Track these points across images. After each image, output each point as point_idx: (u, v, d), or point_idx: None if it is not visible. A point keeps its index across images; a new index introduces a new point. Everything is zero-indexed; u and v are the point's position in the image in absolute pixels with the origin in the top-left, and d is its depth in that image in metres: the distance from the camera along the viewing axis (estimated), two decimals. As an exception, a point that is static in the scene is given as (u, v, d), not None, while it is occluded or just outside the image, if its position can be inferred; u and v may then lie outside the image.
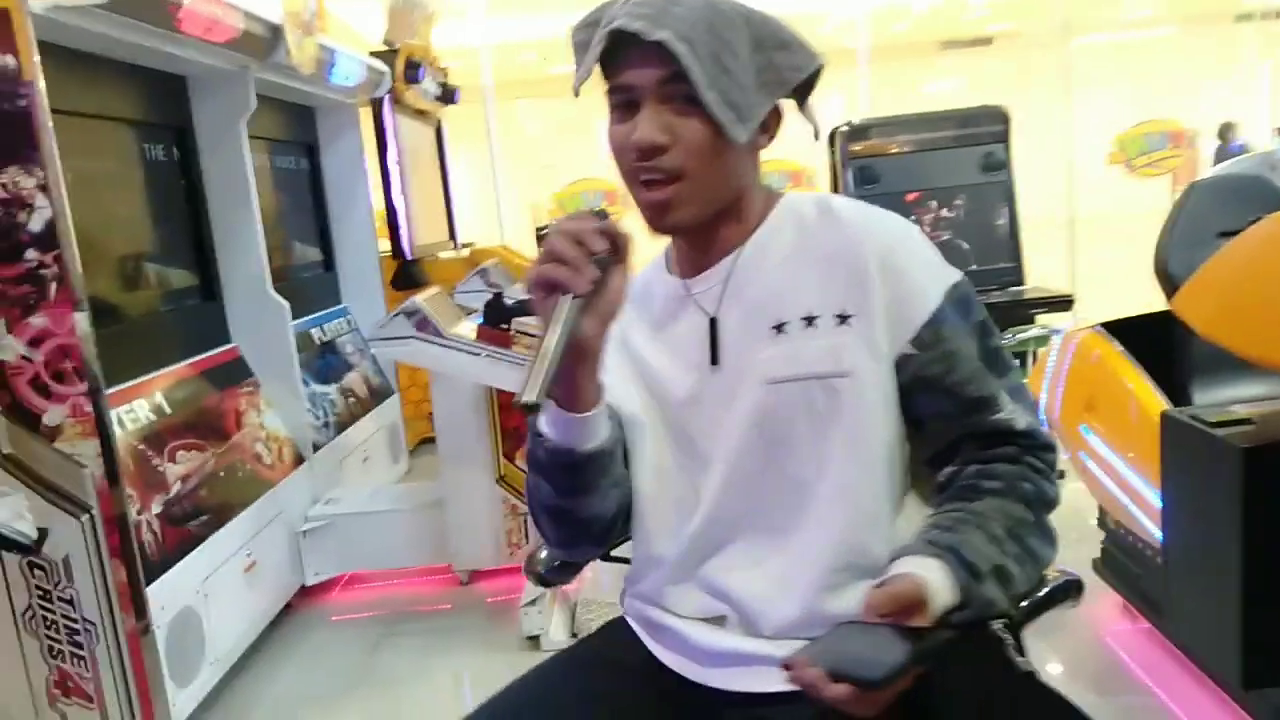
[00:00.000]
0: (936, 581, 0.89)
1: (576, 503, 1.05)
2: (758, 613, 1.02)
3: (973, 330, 1.03)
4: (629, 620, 1.17)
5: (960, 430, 1.02)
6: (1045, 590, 1.11)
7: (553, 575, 1.25)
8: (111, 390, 2.39)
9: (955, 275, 1.04)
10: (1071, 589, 1.12)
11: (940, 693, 0.90)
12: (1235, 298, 1.71)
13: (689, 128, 0.96)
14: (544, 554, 1.25)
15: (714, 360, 1.05)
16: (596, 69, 1.00)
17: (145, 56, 2.69)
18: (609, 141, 1.01)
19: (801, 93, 1.04)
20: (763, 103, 0.99)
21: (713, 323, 1.05)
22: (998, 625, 1.08)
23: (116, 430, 2.33)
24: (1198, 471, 1.75)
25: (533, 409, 0.86)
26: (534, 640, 2.74)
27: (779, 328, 1.02)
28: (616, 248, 0.93)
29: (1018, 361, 3.99)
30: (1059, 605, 1.12)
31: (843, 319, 1.01)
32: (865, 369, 1.00)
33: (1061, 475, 3.67)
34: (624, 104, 0.99)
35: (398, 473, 4.41)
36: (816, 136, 1.12)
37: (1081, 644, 2.55)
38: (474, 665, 2.76)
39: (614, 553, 1.20)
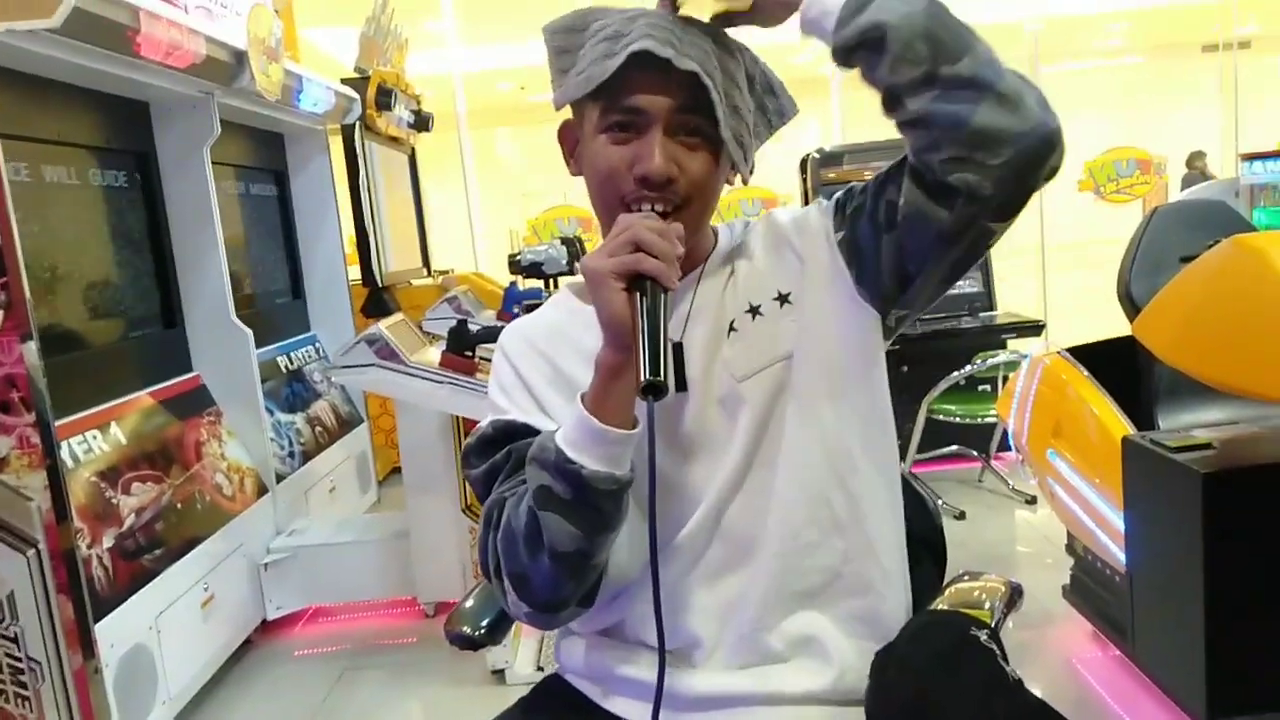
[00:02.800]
0: None
1: (601, 544, 0.93)
2: (717, 639, 1.00)
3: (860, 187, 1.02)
4: (568, 677, 1.11)
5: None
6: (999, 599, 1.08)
7: (484, 636, 1.15)
8: (64, 420, 2.35)
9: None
10: (1013, 596, 1.09)
11: (935, 703, 0.88)
12: (1194, 322, 1.71)
13: (695, 160, 0.96)
14: (470, 609, 1.17)
15: (681, 386, 1.01)
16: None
17: (104, 81, 2.66)
18: (597, 161, 0.98)
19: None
20: (756, 145, 1.02)
21: (678, 348, 1.01)
22: (984, 635, 1.04)
23: (68, 462, 2.28)
24: (1160, 497, 1.74)
25: (662, 391, 0.83)
26: (499, 674, 2.68)
27: (734, 327, 1.02)
28: (682, 254, 0.93)
29: (987, 387, 4.00)
30: (1011, 609, 1.08)
31: (782, 299, 1.02)
32: (808, 342, 1.00)
33: (1033, 501, 3.65)
34: (623, 125, 0.96)
35: (366, 503, 4.35)
36: (745, 181, 1.09)
37: (1052, 671, 2.52)
38: (439, 700, 2.70)
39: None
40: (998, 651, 0.95)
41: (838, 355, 1.01)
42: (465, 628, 1.15)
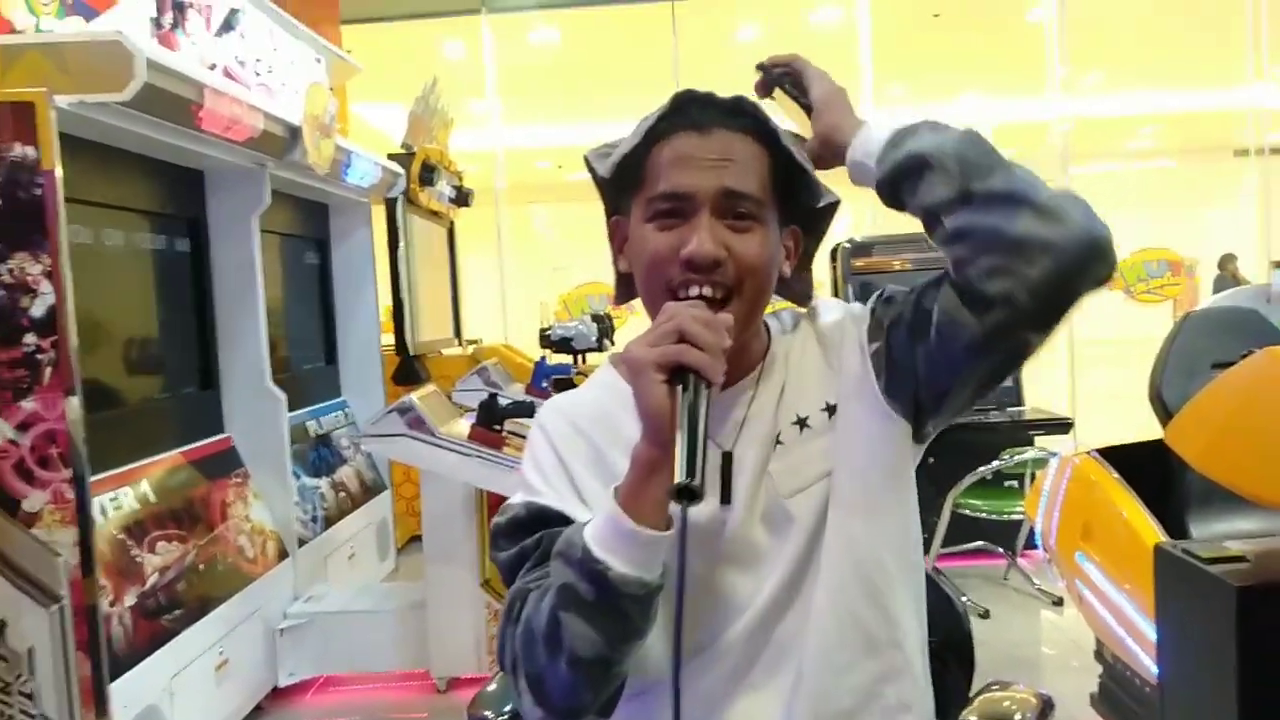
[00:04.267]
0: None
1: (624, 651, 0.87)
2: None
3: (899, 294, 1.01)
4: None
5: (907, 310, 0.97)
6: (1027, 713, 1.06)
7: None
8: (98, 476, 2.38)
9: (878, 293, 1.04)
10: (1045, 709, 1.06)
11: None
12: (1227, 431, 1.71)
13: (745, 242, 0.93)
14: (493, 693, 1.13)
15: (725, 500, 0.94)
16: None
17: (165, 151, 2.78)
18: (644, 249, 0.95)
19: (815, 235, 1.05)
20: (823, 196, 1.02)
21: (726, 457, 0.95)
22: None
23: (98, 518, 2.31)
24: (1193, 608, 1.70)
25: (696, 493, 0.78)
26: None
27: (781, 440, 0.98)
28: (728, 346, 0.87)
29: (1014, 483, 3.95)
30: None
31: (830, 410, 0.99)
32: (843, 456, 0.97)
33: (1059, 602, 3.56)
34: (669, 213, 0.94)
35: (384, 570, 4.33)
36: (807, 301, 1.10)
37: (1080, 785, 2.44)
38: (446, 780, 2.65)
39: None
40: None
41: (871, 469, 0.98)
42: (488, 712, 1.13)
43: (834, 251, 4.77)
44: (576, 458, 0.99)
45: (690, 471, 0.78)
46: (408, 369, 4.67)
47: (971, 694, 1.09)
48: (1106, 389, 5.86)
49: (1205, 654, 1.66)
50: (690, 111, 0.95)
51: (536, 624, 0.87)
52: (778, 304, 1.09)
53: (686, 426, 0.80)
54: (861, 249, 4.73)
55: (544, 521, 0.95)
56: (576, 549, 0.85)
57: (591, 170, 1.03)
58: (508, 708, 1.13)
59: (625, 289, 1.02)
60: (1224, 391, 1.72)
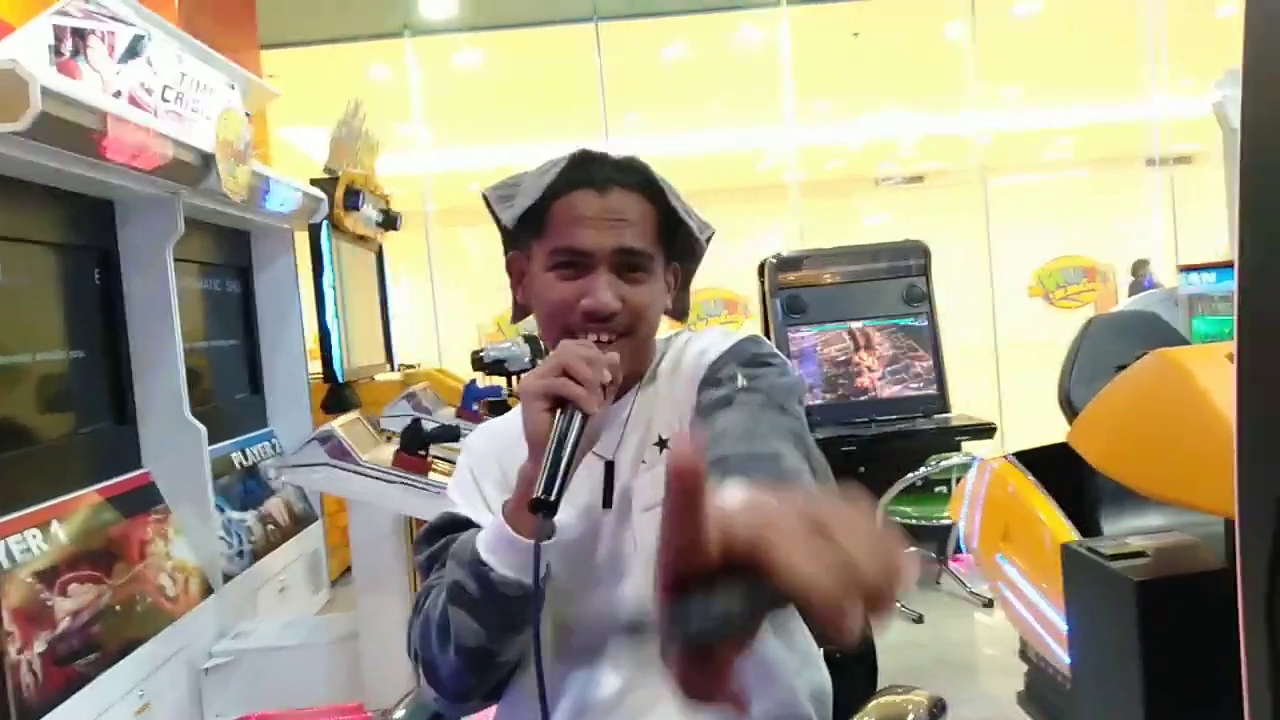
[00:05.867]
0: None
1: (505, 644, 0.98)
2: None
3: (738, 360, 1.03)
4: None
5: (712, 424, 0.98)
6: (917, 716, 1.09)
7: None
8: (3, 519, 2.30)
9: (736, 337, 1.08)
10: (939, 711, 1.09)
11: None
12: (1123, 432, 1.77)
13: (637, 292, 1.03)
14: (398, 717, 1.18)
15: (606, 503, 1.06)
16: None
17: (70, 181, 2.70)
18: (546, 294, 1.04)
19: (692, 265, 1.15)
20: (701, 238, 1.11)
21: (609, 466, 1.06)
22: None
23: (4, 562, 2.23)
24: (1097, 603, 1.76)
25: (550, 508, 0.86)
26: (445, 786, 2.59)
27: (644, 459, 1.07)
28: (613, 380, 0.97)
29: (943, 488, 4.04)
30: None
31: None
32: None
33: (990, 604, 3.63)
34: (569, 264, 1.03)
35: (318, 603, 4.24)
36: (684, 317, 1.18)
37: (1008, 783, 2.49)
38: (380, 814, 2.60)
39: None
40: None
41: None
42: None
43: (761, 266, 4.84)
44: (487, 478, 1.11)
45: (547, 489, 0.87)
46: (337, 396, 4.59)
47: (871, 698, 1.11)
48: (1031, 393, 6.02)
49: (1112, 647, 1.72)
50: (588, 170, 1.04)
51: (432, 616, 1.00)
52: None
53: (552, 449, 0.89)
54: (789, 263, 4.81)
55: (454, 528, 1.07)
56: (466, 551, 0.97)
57: (491, 209, 1.11)
58: None
59: (521, 311, 1.15)
60: (1118, 393, 1.79)
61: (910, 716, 1.06)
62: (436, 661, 1.00)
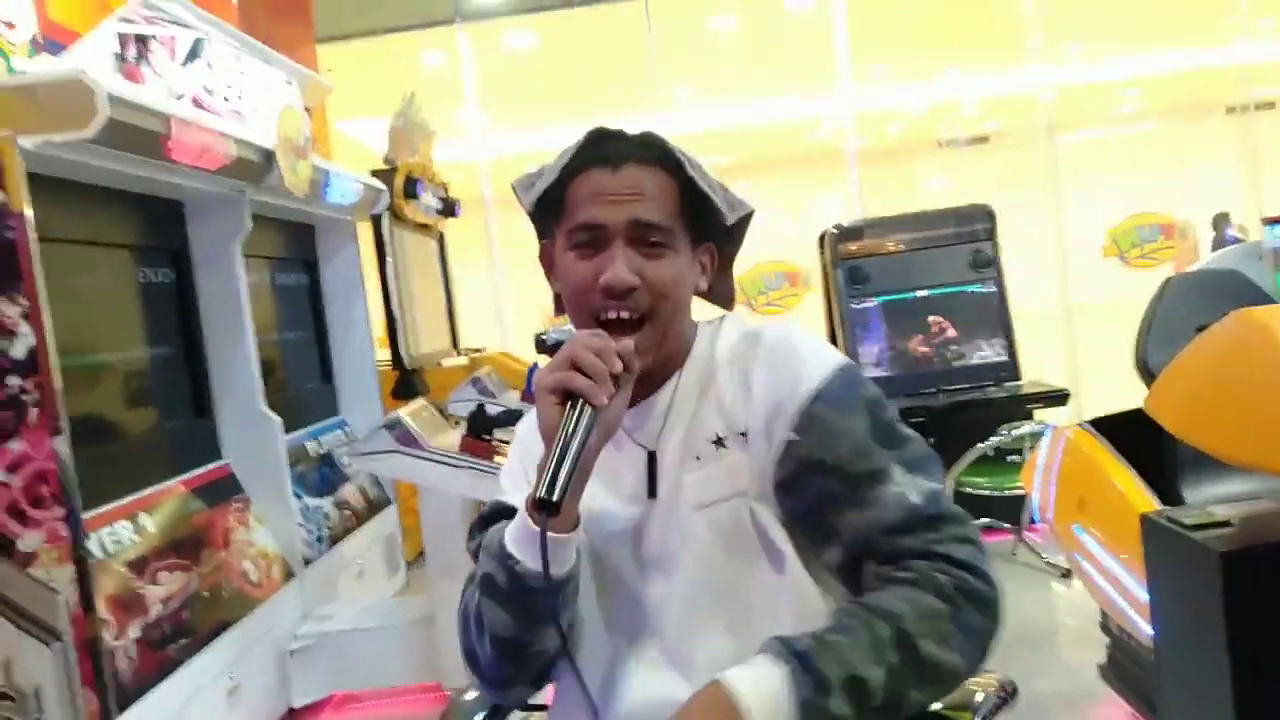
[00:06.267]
0: (766, 693, 0.86)
1: (536, 635, 1.00)
2: None
3: (859, 407, 1.00)
4: None
5: (851, 514, 0.97)
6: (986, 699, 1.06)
7: None
8: (94, 512, 2.40)
9: (836, 360, 1.04)
10: (1008, 694, 1.07)
11: None
12: (1202, 396, 1.70)
13: (658, 268, 1.01)
14: (466, 703, 1.19)
15: (651, 493, 1.04)
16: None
17: (138, 184, 2.79)
18: (568, 277, 1.03)
19: (731, 247, 1.12)
20: (730, 212, 1.07)
21: (651, 456, 1.05)
22: None
23: (97, 553, 2.33)
24: (1180, 575, 1.70)
25: (552, 506, 0.86)
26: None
27: (698, 455, 1.04)
28: (627, 368, 0.96)
29: (1016, 457, 3.94)
30: (999, 711, 1.06)
31: (744, 435, 1.03)
32: (755, 484, 1.01)
33: (1068, 574, 3.53)
34: (587, 243, 1.02)
35: (395, 586, 4.35)
36: (730, 304, 1.15)
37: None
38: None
39: (531, 701, 1.14)
40: None
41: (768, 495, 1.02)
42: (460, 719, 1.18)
43: (822, 238, 4.77)
44: (533, 464, 1.07)
45: (550, 487, 0.87)
46: (406, 383, 4.67)
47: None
48: (1107, 358, 5.83)
49: (1195, 619, 1.66)
50: (603, 147, 1.03)
51: (469, 605, 1.03)
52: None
53: (559, 445, 0.89)
54: (850, 233, 4.73)
55: (503, 516, 1.06)
56: (495, 544, 0.98)
57: (519, 199, 1.11)
58: (478, 717, 1.15)
59: (561, 304, 1.12)
60: (1197, 356, 1.72)
61: (979, 698, 1.04)
62: (476, 651, 1.03)
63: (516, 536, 0.96)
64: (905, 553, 0.95)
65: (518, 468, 1.12)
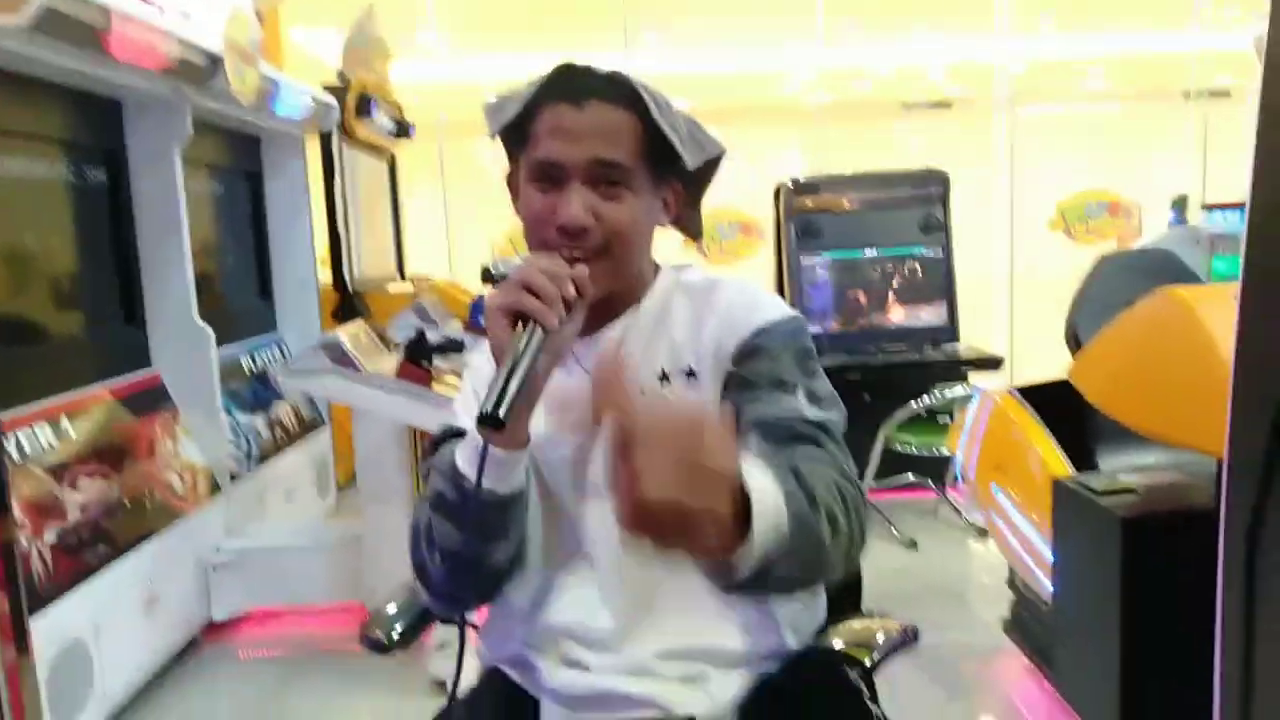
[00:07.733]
0: (767, 491, 0.82)
1: (486, 550, 1.02)
2: (623, 650, 1.05)
3: (792, 350, 1.03)
4: (505, 669, 1.15)
5: (750, 407, 1.00)
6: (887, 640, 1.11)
7: (397, 642, 1.18)
8: (13, 413, 2.34)
9: (790, 311, 1.07)
10: (909, 637, 1.11)
11: None
12: (1123, 370, 1.76)
13: (614, 209, 1.01)
14: (388, 614, 1.20)
15: (597, 421, 1.05)
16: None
17: (74, 79, 2.67)
18: (527, 208, 1.04)
19: (699, 185, 1.12)
20: (696, 155, 1.06)
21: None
22: (854, 673, 1.07)
23: (13, 453, 2.27)
24: (1083, 537, 1.78)
25: (497, 422, 0.86)
26: (442, 685, 2.68)
27: (643, 390, 1.05)
28: (580, 294, 0.96)
29: (946, 419, 4.04)
30: (898, 651, 1.11)
31: (690, 374, 1.05)
32: None
33: (984, 533, 3.63)
34: (546, 177, 1.02)
35: (325, 507, 4.33)
36: (698, 237, 1.16)
37: (990, 705, 2.55)
38: (381, 710, 2.70)
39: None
40: (865, 691, 0.98)
41: None
42: (378, 631, 1.19)
43: (777, 191, 4.76)
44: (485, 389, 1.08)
45: (497, 404, 0.87)
46: (346, 305, 4.61)
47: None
48: (1044, 328, 5.97)
49: (1094, 580, 1.74)
50: (569, 82, 1.03)
51: (420, 521, 1.04)
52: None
53: (507, 364, 0.89)
54: (806, 187, 4.72)
55: (453, 438, 1.08)
56: (446, 462, 1.00)
57: (488, 124, 1.09)
58: (398, 626, 1.18)
59: None
60: (1120, 331, 1.77)
61: (880, 638, 1.08)
62: (426, 566, 1.04)
63: (467, 455, 0.98)
64: (798, 440, 0.98)
65: (471, 394, 1.14)
